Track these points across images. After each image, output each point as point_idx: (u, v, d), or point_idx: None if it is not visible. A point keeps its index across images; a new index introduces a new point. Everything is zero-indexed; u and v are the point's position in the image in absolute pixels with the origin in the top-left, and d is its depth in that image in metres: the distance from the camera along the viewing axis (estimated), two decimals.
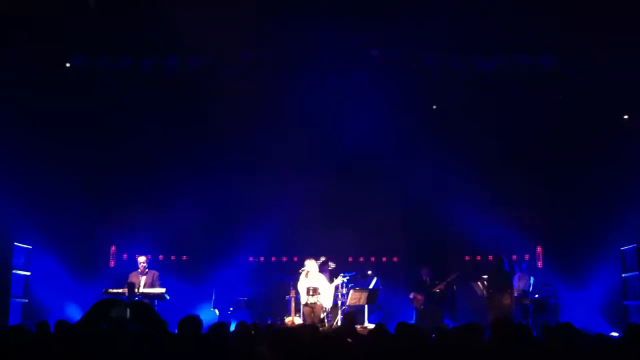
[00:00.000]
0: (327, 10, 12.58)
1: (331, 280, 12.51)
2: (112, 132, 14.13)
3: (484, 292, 12.66)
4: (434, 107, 14.48)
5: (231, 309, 13.43)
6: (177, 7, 12.08)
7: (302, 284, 12.06)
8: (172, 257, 14.50)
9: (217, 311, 13.46)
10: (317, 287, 11.95)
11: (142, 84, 13.79)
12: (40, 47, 13.07)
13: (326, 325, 11.74)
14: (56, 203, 13.51)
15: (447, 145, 13.92)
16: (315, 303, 11.90)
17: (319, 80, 13.72)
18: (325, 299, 12.04)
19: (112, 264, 14.29)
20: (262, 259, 14.68)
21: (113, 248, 14.40)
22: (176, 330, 5.40)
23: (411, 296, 13.34)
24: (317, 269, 12.29)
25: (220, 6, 12.15)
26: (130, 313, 3.21)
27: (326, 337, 6.06)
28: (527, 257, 14.06)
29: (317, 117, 13.92)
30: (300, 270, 12.21)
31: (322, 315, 11.96)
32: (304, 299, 11.98)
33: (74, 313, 12.80)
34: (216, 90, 13.83)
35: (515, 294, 12.57)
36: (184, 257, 14.56)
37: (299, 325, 10.72)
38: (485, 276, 12.75)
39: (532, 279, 13.04)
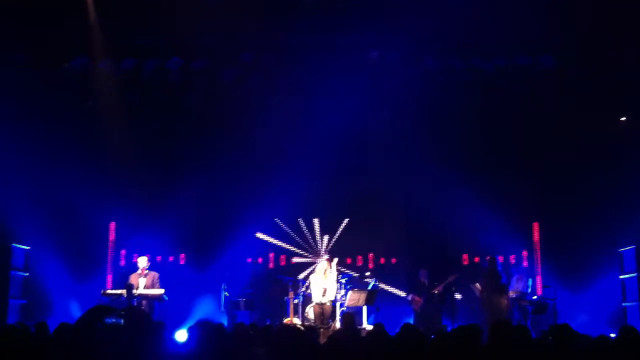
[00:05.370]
0: (327, 11, 12.62)
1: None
2: (112, 132, 14.11)
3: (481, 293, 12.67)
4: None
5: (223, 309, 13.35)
6: (179, 10, 12.12)
7: (318, 284, 12.15)
8: (171, 258, 14.48)
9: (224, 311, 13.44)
10: (326, 287, 12.10)
11: (144, 85, 13.84)
12: (41, 48, 13.10)
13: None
14: (55, 204, 13.50)
15: (446, 146, 13.96)
16: (325, 303, 12.03)
17: (319, 81, 13.74)
18: (333, 296, 12.17)
19: (111, 264, 14.27)
20: (260, 259, 14.67)
21: (112, 248, 14.37)
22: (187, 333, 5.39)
23: (409, 298, 13.34)
24: (330, 268, 12.40)
25: (221, 8, 12.18)
26: (124, 320, 3.20)
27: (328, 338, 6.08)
28: (524, 258, 14.07)
29: (317, 118, 13.93)
30: (325, 269, 12.29)
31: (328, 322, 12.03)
32: (317, 298, 12.07)
33: (74, 314, 12.80)
34: (217, 92, 13.88)
35: (514, 296, 12.58)
36: (182, 256, 14.53)
37: (298, 326, 10.73)
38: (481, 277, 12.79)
39: (530, 280, 13.04)
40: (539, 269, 14.07)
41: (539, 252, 14.20)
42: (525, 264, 13.95)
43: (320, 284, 12.16)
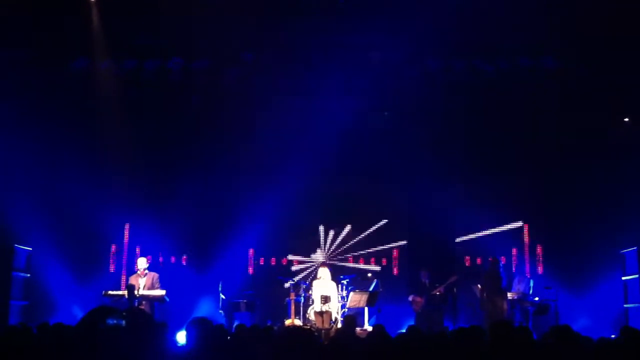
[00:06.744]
0: (330, 12, 12.61)
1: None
2: (114, 133, 14.11)
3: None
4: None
5: (221, 311, 13.31)
6: (179, 10, 12.12)
7: (317, 292, 12.14)
8: (172, 259, 14.48)
9: (222, 312, 13.44)
10: (329, 295, 12.08)
11: (145, 85, 13.85)
12: (42, 49, 13.11)
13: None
14: (57, 205, 13.50)
15: (448, 147, 13.95)
16: (326, 312, 12.03)
17: (320, 82, 13.73)
18: (335, 308, 12.13)
19: (112, 265, 14.27)
20: (262, 260, 14.65)
21: (113, 249, 14.37)
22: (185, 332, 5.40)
23: (410, 299, 13.30)
24: (330, 277, 12.36)
25: (222, 8, 12.19)
26: (126, 321, 3.20)
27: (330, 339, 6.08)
28: (527, 259, 14.05)
29: (318, 118, 13.93)
30: (318, 277, 12.29)
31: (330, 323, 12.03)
32: (318, 307, 12.08)
33: (75, 315, 12.80)
34: (218, 92, 13.89)
35: (515, 297, 12.57)
36: (184, 258, 14.53)
37: (300, 326, 10.73)
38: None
39: (531, 281, 13.01)
40: (540, 270, 14.05)
41: (540, 253, 14.18)
42: (526, 265, 13.92)
43: (320, 291, 12.14)
